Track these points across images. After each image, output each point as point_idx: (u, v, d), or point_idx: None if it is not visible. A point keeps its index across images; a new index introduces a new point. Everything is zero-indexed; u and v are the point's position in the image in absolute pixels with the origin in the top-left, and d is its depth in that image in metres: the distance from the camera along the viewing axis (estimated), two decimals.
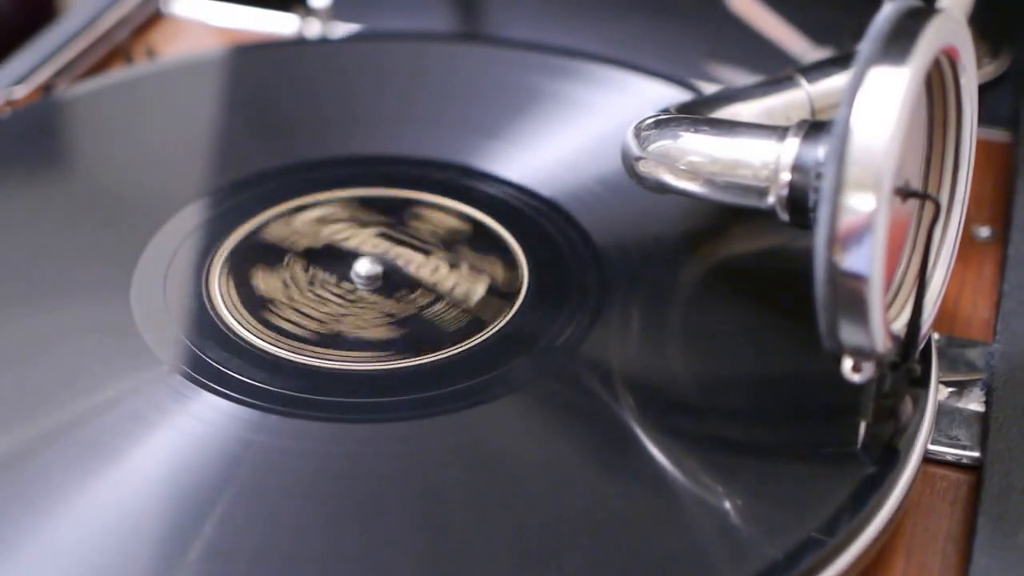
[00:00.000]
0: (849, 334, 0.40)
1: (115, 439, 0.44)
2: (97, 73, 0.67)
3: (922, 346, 0.45)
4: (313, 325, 0.49)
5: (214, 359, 0.47)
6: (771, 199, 0.45)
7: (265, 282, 0.50)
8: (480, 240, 0.53)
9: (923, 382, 0.46)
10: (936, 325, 0.49)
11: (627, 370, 0.47)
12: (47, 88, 0.63)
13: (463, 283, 0.51)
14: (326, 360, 0.47)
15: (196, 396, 0.46)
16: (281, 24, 0.71)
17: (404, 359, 0.47)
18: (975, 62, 0.44)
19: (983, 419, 0.47)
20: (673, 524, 0.42)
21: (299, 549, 0.41)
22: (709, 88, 0.57)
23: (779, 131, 0.45)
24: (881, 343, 0.40)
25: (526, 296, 0.50)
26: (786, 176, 0.45)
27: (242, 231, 0.53)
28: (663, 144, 0.48)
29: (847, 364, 0.41)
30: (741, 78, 0.64)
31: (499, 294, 0.50)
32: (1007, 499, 0.44)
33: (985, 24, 0.63)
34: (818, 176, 0.44)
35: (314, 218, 0.54)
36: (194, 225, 0.53)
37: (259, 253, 0.52)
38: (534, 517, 0.42)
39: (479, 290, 0.51)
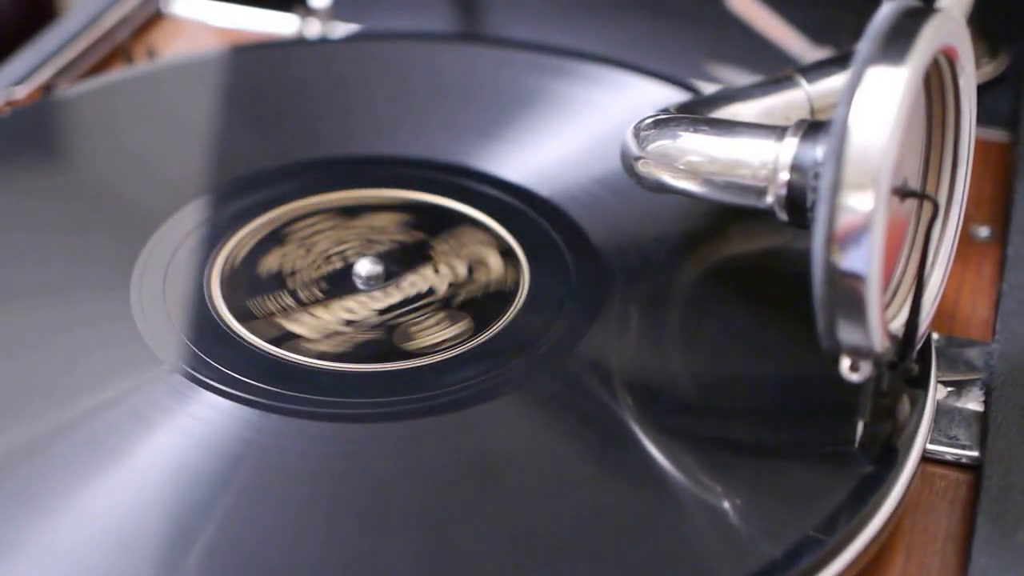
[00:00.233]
0: (847, 334, 0.40)
1: (115, 438, 0.44)
2: (97, 73, 0.67)
3: (920, 346, 0.45)
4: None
5: (214, 358, 0.47)
6: (769, 199, 0.46)
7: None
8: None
9: (922, 382, 0.46)
10: (935, 325, 0.49)
11: (626, 370, 0.47)
12: (48, 88, 0.63)
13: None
14: (327, 360, 0.47)
15: (196, 395, 0.46)
16: (281, 24, 0.71)
17: (406, 358, 0.48)
18: (974, 62, 0.44)
19: (982, 419, 0.48)
20: (672, 523, 0.42)
21: (299, 549, 0.41)
22: (708, 88, 0.57)
23: (778, 131, 0.45)
24: (879, 343, 0.40)
25: (525, 296, 0.50)
26: (784, 176, 0.45)
27: (242, 231, 0.53)
28: (662, 144, 0.48)
29: (845, 363, 0.41)
30: (741, 78, 0.64)
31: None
32: (1006, 498, 0.44)
33: (984, 24, 0.63)
34: (816, 176, 0.44)
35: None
36: (194, 225, 0.53)
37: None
38: (533, 516, 0.42)
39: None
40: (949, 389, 0.49)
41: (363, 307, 0.50)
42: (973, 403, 0.48)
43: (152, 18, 0.72)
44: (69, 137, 0.59)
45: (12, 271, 0.51)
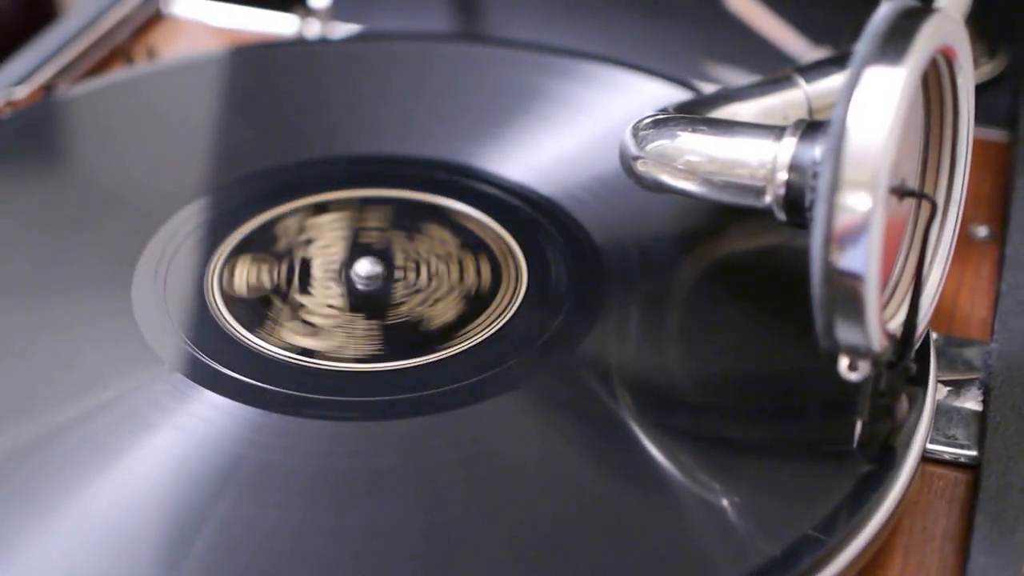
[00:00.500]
0: (845, 333, 0.40)
1: (115, 438, 0.44)
2: (98, 73, 0.67)
3: (918, 345, 0.45)
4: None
5: (214, 358, 0.47)
6: (768, 198, 0.46)
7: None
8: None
9: (920, 381, 0.46)
10: (934, 324, 0.49)
11: (626, 368, 0.47)
12: (48, 88, 0.63)
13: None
14: (327, 360, 0.48)
15: (196, 395, 0.46)
16: (281, 24, 0.71)
17: (406, 357, 0.48)
18: (972, 62, 0.44)
19: (981, 418, 0.48)
20: (671, 522, 0.42)
21: (299, 548, 0.41)
22: (708, 88, 0.57)
23: (776, 131, 0.45)
24: (877, 342, 0.40)
25: (525, 294, 0.50)
26: (783, 175, 0.45)
27: (241, 231, 0.53)
28: (661, 144, 0.48)
29: (843, 363, 0.41)
30: (739, 78, 0.64)
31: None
32: (1005, 498, 0.44)
33: (983, 24, 0.63)
34: (814, 175, 0.44)
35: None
36: (194, 225, 0.53)
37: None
38: (533, 515, 0.42)
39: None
40: (948, 389, 0.49)
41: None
42: (972, 403, 0.48)
43: (152, 18, 0.72)
44: (69, 137, 0.59)
45: (12, 271, 0.51)
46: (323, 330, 0.49)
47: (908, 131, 0.42)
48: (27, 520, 0.42)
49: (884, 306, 0.44)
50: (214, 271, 0.51)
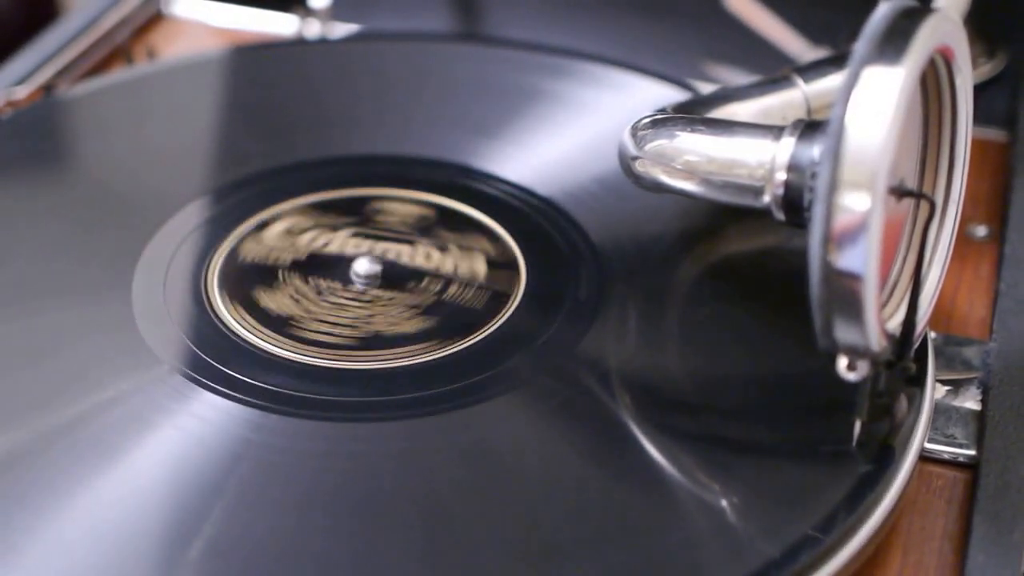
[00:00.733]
0: (844, 333, 0.40)
1: (116, 439, 0.44)
2: (98, 74, 0.67)
3: (917, 345, 0.45)
4: (347, 332, 0.49)
5: (214, 358, 0.47)
6: (767, 198, 0.46)
7: (274, 301, 0.50)
8: (454, 221, 0.54)
9: (919, 380, 0.46)
10: (933, 324, 0.49)
11: (625, 368, 0.47)
12: (48, 88, 0.63)
13: (462, 263, 0.51)
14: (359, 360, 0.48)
15: (196, 395, 0.46)
16: (281, 24, 0.71)
17: (446, 346, 0.48)
18: (970, 62, 0.44)
19: (979, 417, 0.48)
20: (670, 522, 0.42)
21: (299, 548, 0.41)
22: (706, 88, 0.57)
23: (775, 131, 0.45)
24: (876, 342, 0.40)
25: (524, 294, 0.50)
26: (781, 175, 0.45)
27: (240, 231, 0.53)
28: (659, 144, 0.48)
29: (842, 363, 0.41)
30: (738, 78, 0.64)
31: (499, 265, 0.51)
32: (1003, 497, 0.44)
33: (982, 24, 0.63)
34: (813, 175, 0.44)
35: (283, 230, 0.53)
36: (194, 225, 0.53)
37: (251, 275, 0.52)
38: (532, 515, 0.42)
39: (480, 265, 0.51)
40: (947, 388, 0.49)
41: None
42: (970, 402, 0.48)
43: (152, 19, 0.72)
44: (69, 137, 0.59)
45: (12, 271, 0.51)
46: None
47: (907, 131, 0.42)
48: (27, 520, 0.42)
49: (883, 306, 0.44)
50: (214, 271, 0.51)
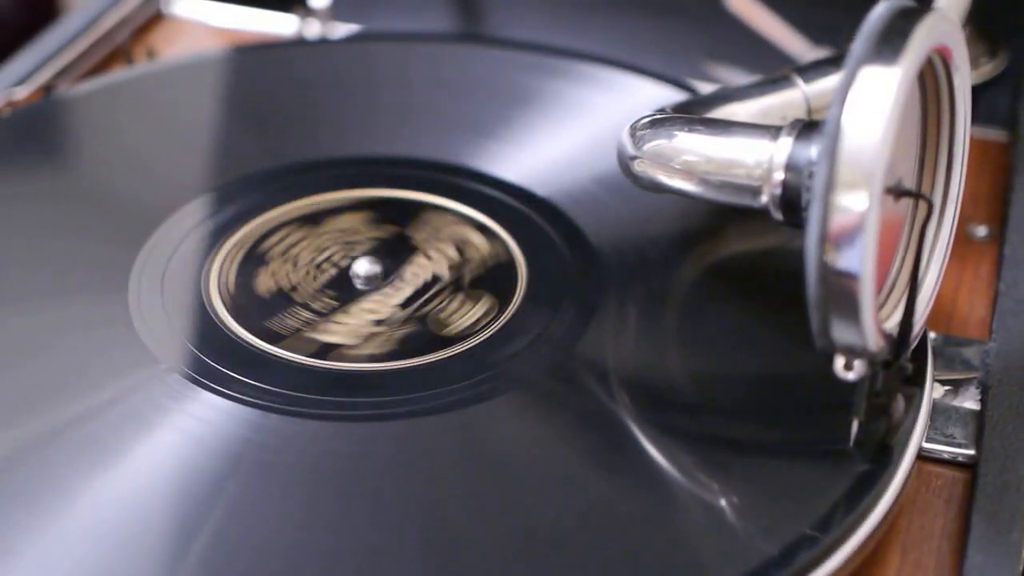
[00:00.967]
0: (841, 333, 0.40)
1: (114, 439, 0.44)
2: (98, 74, 0.67)
3: (914, 345, 0.45)
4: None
5: (213, 358, 0.47)
6: (764, 198, 0.46)
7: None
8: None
9: (916, 380, 0.46)
10: (933, 324, 0.49)
11: (623, 368, 0.47)
12: (48, 89, 0.63)
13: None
14: (327, 360, 0.48)
15: (195, 395, 0.46)
16: (281, 24, 0.71)
17: (446, 347, 0.48)
18: (968, 61, 0.44)
19: (978, 417, 0.48)
20: (669, 521, 0.42)
21: (299, 548, 0.41)
22: (706, 88, 0.57)
23: (772, 131, 0.45)
24: (873, 341, 0.40)
25: (523, 294, 0.50)
26: (779, 175, 0.45)
27: (241, 231, 0.53)
28: (658, 144, 0.48)
29: (839, 362, 0.41)
30: (738, 78, 0.64)
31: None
32: (1002, 496, 0.44)
33: (983, 23, 0.63)
34: (810, 175, 0.44)
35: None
36: (193, 224, 0.53)
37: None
38: (531, 514, 0.42)
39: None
40: (946, 388, 0.49)
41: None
42: (970, 402, 0.48)
43: (152, 19, 0.72)
44: (69, 138, 0.60)
45: (11, 271, 0.51)
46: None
47: (904, 131, 0.42)
48: (27, 520, 0.42)
49: (881, 306, 0.44)
50: (213, 271, 0.51)
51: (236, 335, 0.49)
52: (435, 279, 0.51)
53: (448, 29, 0.71)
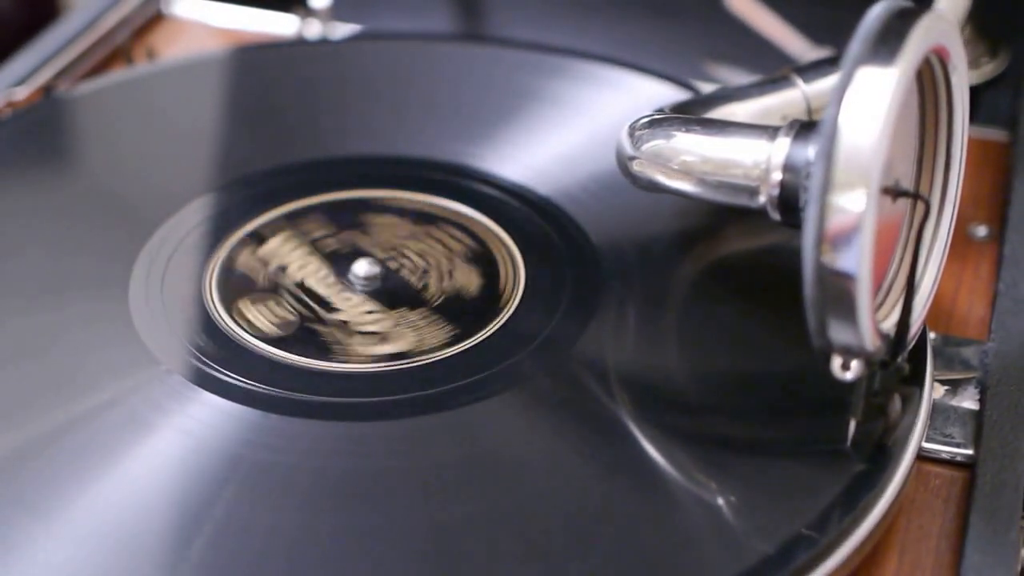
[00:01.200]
0: (838, 333, 0.40)
1: (114, 440, 0.44)
2: (98, 74, 0.67)
3: (912, 345, 0.45)
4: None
5: (213, 359, 0.47)
6: (762, 198, 0.46)
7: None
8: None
9: (914, 380, 0.46)
10: (932, 324, 0.49)
11: (622, 367, 0.47)
12: (48, 89, 0.63)
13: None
14: (327, 360, 0.48)
15: (195, 396, 0.46)
16: (281, 25, 0.71)
17: (445, 347, 0.48)
18: (966, 61, 0.44)
19: (977, 417, 0.48)
20: (667, 520, 0.42)
21: (299, 549, 0.41)
22: (706, 87, 0.57)
23: (770, 131, 0.45)
24: (870, 341, 0.40)
25: (523, 294, 0.50)
26: (777, 176, 0.45)
27: (241, 231, 0.53)
28: (656, 144, 0.48)
29: (836, 362, 0.41)
30: (739, 78, 0.64)
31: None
32: (1000, 496, 0.44)
33: (984, 23, 0.63)
34: (808, 176, 0.44)
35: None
36: (193, 225, 0.54)
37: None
38: (531, 513, 0.42)
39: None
40: (945, 388, 0.49)
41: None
42: (969, 401, 0.48)
43: (152, 19, 0.72)
44: (69, 138, 0.60)
45: (11, 271, 0.51)
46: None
47: (901, 131, 0.42)
48: (27, 521, 0.42)
49: (879, 306, 0.44)
50: (212, 271, 0.51)
51: (236, 335, 0.49)
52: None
53: (448, 29, 0.71)
